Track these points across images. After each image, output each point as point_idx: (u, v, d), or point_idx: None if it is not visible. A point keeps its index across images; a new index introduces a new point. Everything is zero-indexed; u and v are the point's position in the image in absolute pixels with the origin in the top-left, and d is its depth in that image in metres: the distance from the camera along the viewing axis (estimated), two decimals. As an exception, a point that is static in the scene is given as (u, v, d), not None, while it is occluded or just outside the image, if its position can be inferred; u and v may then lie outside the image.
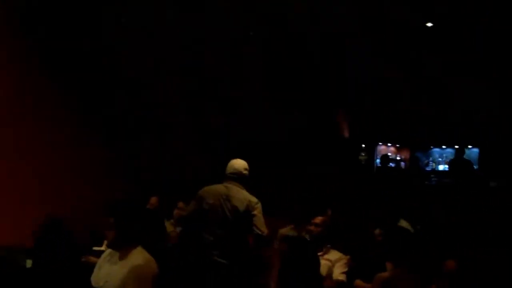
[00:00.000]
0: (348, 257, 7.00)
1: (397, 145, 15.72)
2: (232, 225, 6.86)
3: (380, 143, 15.47)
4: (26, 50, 9.66)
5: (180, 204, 8.67)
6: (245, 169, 7.14)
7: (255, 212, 6.85)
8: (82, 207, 9.58)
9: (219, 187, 7.05)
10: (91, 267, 4.99)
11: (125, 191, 9.74)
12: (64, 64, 10.14)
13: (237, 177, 7.08)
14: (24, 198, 9.39)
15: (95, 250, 7.09)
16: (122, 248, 4.68)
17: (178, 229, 8.30)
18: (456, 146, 14.31)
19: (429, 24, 11.58)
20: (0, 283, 5.98)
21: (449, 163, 14.43)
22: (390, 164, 15.23)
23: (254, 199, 6.94)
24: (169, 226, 8.16)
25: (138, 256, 4.60)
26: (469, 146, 14.37)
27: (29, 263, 6.95)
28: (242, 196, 6.96)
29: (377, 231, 7.25)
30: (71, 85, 10.26)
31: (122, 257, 4.65)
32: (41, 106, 9.84)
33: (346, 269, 6.91)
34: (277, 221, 7.86)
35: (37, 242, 4.58)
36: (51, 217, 4.77)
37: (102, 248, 7.19)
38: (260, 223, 6.81)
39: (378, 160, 15.13)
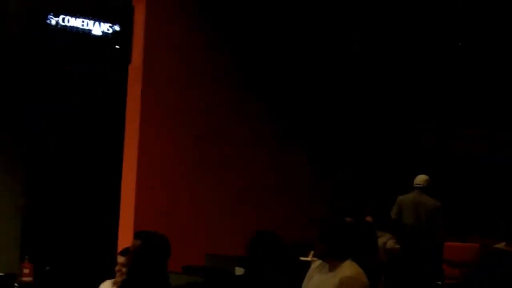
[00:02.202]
0: None
1: None
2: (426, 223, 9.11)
3: None
4: (228, 66, 10.11)
5: None
6: (427, 181, 9.32)
7: (440, 212, 9.16)
8: (288, 220, 9.89)
9: (412, 195, 9.28)
10: (299, 276, 5.17)
11: (328, 207, 9.98)
12: (264, 80, 10.50)
13: (423, 187, 9.26)
14: (235, 210, 9.87)
15: (301, 261, 7.38)
16: (331, 260, 4.80)
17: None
18: None
19: None
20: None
21: None
22: None
23: (439, 203, 9.19)
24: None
25: (348, 269, 4.67)
26: None
27: (238, 271, 7.31)
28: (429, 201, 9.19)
29: None
30: (273, 102, 10.60)
31: (332, 268, 4.75)
32: (245, 123, 10.27)
33: None
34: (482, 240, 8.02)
35: (250, 251, 4.78)
36: (264, 228, 4.98)
37: (308, 258, 7.45)
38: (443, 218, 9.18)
39: None
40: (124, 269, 5.80)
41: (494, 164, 11.27)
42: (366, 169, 11.40)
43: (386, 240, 8.38)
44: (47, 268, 8.42)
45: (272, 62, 10.49)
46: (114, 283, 6.00)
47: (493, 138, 11.36)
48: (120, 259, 5.97)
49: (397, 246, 8.53)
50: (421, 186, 9.22)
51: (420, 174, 9.44)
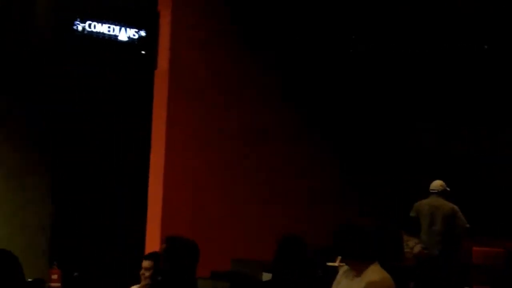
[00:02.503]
0: None
1: None
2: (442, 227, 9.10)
3: None
4: (255, 67, 10.09)
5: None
6: (442, 185, 9.40)
7: (458, 214, 9.16)
8: (315, 225, 9.85)
9: (428, 200, 9.33)
10: (326, 282, 5.14)
11: (357, 212, 9.94)
12: (292, 81, 10.47)
13: (439, 192, 9.34)
14: (262, 215, 9.85)
15: (329, 266, 7.35)
16: (355, 264, 4.77)
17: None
18: None
19: None
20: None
21: None
22: None
23: (455, 206, 9.21)
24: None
25: (374, 273, 4.65)
26: None
27: (265, 276, 7.28)
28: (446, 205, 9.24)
29: None
30: (303, 105, 10.56)
31: (358, 273, 4.73)
32: (274, 126, 10.25)
33: None
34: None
35: (276, 256, 4.75)
36: (291, 233, 4.95)
37: (335, 264, 7.40)
38: (463, 220, 9.14)
39: None
40: (147, 273, 5.83)
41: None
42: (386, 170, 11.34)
43: (413, 245, 8.32)
44: (75, 274, 8.48)
45: (298, 62, 10.46)
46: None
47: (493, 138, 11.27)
48: (144, 263, 6.00)
49: (425, 250, 8.47)
50: (437, 191, 9.34)
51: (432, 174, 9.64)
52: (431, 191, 9.38)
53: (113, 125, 10.27)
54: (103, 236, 10.08)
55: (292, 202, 10.25)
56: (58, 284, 8.56)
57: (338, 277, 4.95)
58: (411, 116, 11.48)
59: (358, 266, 4.75)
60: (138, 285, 6.16)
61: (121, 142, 10.22)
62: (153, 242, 8.81)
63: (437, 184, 9.42)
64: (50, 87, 10.01)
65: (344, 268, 4.94)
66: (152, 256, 6.14)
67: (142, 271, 6.01)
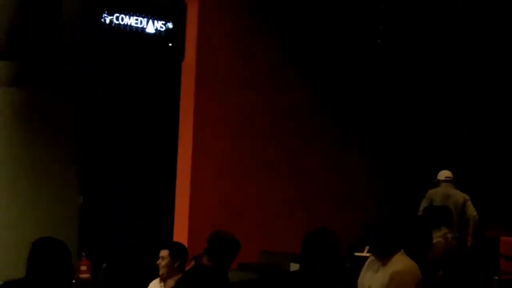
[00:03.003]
0: None
1: None
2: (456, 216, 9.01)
3: None
4: (283, 61, 10.06)
5: None
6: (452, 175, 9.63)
7: (468, 203, 9.34)
8: (344, 216, 9.85)
9: (441, 189, 9.51)
10: (354, 272, 5.14)
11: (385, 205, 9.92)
12: (322, 76, 10.43)
13: (451, 180, 9.56)
14: (290, 207, 9.85)
15: (356, 256, 7.37)
16: (384, 254, 4.77)
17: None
18: None
19: None
20: (263, 284, 6.33)
21: None
22: None
23: (466, 195, 9.40)
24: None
25: (400, 262, 4.65)
26: None
27: (293, 267, 7.29)
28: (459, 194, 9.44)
29: None
30: (332, 99, 10.52)
31: (384, 263, 4.74)
32: (304, 119, 10.23)
33: None
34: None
35: (305, 247, 4.76)
36: (319, 225, 4.96)
37: (363, 254, 7.41)
38: (473, 209, 9.32)
39: None
40: (163, 263, 5.92)
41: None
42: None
43: (442, 235, 8.28)
44: (104, 265, 8.54)
45: (327, 53, 10.42)
46: (160, 279, 6.06)
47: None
48: (161, 252, 6.05)
49: (454, 240, 8.43)
50: (450, 179, 9.55)
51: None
52: (444, 179, 9.55)
53: (141, 117, 10.31)
54: (131, 228, 10.14)
55: (322, 194, 10.23)
56: (87, 275, 8.63)
57: (365, 266, 4.96)
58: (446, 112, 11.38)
59: (383, 257, 4.76)
60: (158, 279, 6.20)
61: (149, 135, 10.26)
62: (180, 233, 8.85)
63: (448, 173, 9.61)
64: (78, 80, 10.08)
65: (371, 258, 4.95)
66: (169, 245, 6.20)
67: (159, 261, 6.07)
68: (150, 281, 6.37)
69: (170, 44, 9.45)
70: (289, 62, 10.07)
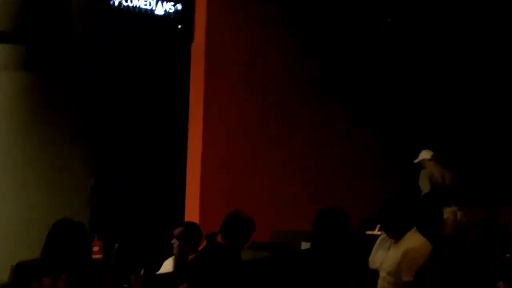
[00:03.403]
0: None
1: None
2: None
3: None
4: (293, 42, 10.01)
5: None
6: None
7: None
8: (355, 195, 9.87)
9: (436, 167, 9.63)
10: (366, 250, 5.16)
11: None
12: (332, 57, 10.39)
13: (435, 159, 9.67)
14: (301, 187, 9.87)
15: (368, 234, 7.40)
16: (396, 232, 4.80)
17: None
18: None
19: None
20: (275, 262, 6.36)
21: None
22: None
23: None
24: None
25: (412, 240, 4.67)
26: None
27: (305, 245, 7.32)
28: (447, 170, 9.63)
29: None
30: (343, 82, 10.49)
31: (397, 240, 4.76)
32: (312, 99, 10.22)
33: None
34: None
35: (317, 225, 4.78)
36: (331, 204, 4.99)
37: (375, 232, 7.42)
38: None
39: None
40: (177, 242, 5.97)
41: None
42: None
43: (451, 212, 8.31)
44: (116, 245, 8.57)
45: (337, 40, 10.37)
46: (174, 258, 6.11)
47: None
48: (175, 232, 6.09)
49: (465, 218, 8.45)
50: (434, 157, 9.71)
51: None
52: (431, 158, 9.71)
53: (150, 100, 10.33)
54: (143, 208, 10.19)
55: (333, 173, 10.23)
56: (100, 256, 8.66)
57: (377, 244, 4.97)
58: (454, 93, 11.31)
59: (396, 235, 4.78)
60: (171, 258, 6.25)
61: (159, 118, 10.28)
62: (192, 214, 8.89)
63: (431, 152, 9.79)
64: (87, 63, 10.09)
65: (382, 236, 4.97)
66: (182, 225, 6.25)
67: (173, 240, 6.12)
68: (163, 261, 6.42)
69: (179, 26, 9.44)
70: (301, 44, 10.03)
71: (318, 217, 4.78)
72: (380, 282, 4.66)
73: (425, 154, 9.89)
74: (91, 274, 4.15)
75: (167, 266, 6.30)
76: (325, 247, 4.70)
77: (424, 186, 9.61)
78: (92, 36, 9.56)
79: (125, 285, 5.46)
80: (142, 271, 6.21)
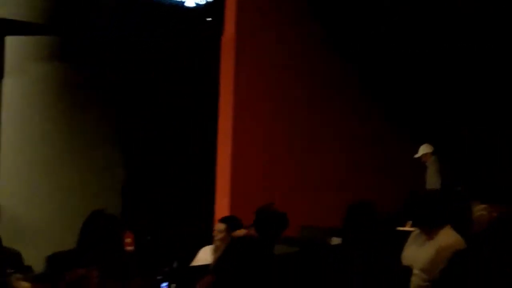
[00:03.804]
0: None
1: None
2: None
3: None
4: (324, 34, 9.99)
5: None
6: None
7: None
8: (386, 191, 9.81)
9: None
10: (397, 246, 5.13)
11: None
12: (362, 50, 10.34)
13: None
14: (332, 182, 9.85)
15: (399, 230, 7.35)
16: (427, 229, 4.76)
17: None
18: None
19: None
20: (305, 258, 6.36)
21: None
22: None
23: None
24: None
25: (446, 237, 4.64)
26: None
27: (335, 241, 7.30)
28: None
29: None
30: (372, 75, 10.43)
31: (430, 237, 4.72)
32: (342, 93, 10.19)
33: None
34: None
35: (347, 221, 4.77)
36: (361, 199, 4.96)
37: (406, 228, 7.39)
38: None
39: None
40: (219, 236, 5.97)
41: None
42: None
43: (483, 209, 8.25)
44: (148, 237, 8.64)
45: (363, 27, 10.32)
46: (214, 251, 6.12)
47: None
48: (218, 225, 6.11)
49: (494, 214, 8.37)
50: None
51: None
52: (433, 151, 9.96)
53: (180, 92, 10.36)
54: (174, 201, 10.25)
55: (362, 170, 10.20)
56: (131, 248, 8.73)
57: (409, 241, 4.95)
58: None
59: (430, 231, 4.74)
60: (210, 246, 6.26)
61: (189, 109, 10.31)
62: (222, 208, 8.91)
63: (431, 146, 10.00)
64: (118, 54, 10.14)
65: (415, 232, 4.94)
66: (227, 219, 6.26)
67: (215, 232, 6.14)
68: (195, 251, 6.45)
69: (209, 19, 9.44)
70: (331, 36, 9.99)
71: (348, 212, 4.77)
72: (413, 278, 4.63)
73: (427, 148, 9.96)
74: (124, 265, 4.17)
75: (203, 255, 6.33)
76: (356, 242, 4.68)
77: (435, 180, 9.69)
78: (123, 28, 9.60)
79: (158, 277, 5.48)
80: (175, 263, 6.23)
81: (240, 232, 5.58)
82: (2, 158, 9.35)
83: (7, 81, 9.41)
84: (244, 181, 9.13)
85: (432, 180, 9.80)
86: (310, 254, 6.47)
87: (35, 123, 9.63)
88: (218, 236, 6.09)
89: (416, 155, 10.02)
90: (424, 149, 9.98)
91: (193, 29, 9.60)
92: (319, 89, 9.96)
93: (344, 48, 10.15)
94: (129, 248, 8.60)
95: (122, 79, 10.33)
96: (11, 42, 9.37)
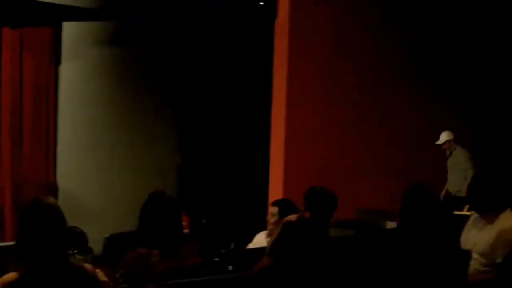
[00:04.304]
0: None
1: None
2: None
3: None
4: (379, 16, 9.88)
5: None
6: None
7: None
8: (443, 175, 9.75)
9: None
10: (455, 230, 5.09)
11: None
12: (415, 34, 10.22)
13: None
14: (387, 164, 9.81)
15: (456, 214, 7.29)
16: (488, 212, 4.70)
17: None
18: None
19: None
20: (360, 241, 6.35)
21: None
22: None
23: None
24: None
25: (507, 220, 4.57)
26: None
27: (390, 225, 7.28)
28: None
29: None
30: (424, 56, 10.32)
31: (490, 221, 4.66)
32: (397, 75, 10.09)
33: None
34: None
35: (403, 204, 4.73)
36: (418, 181, 4.91)
37: (464, 212, 7.32)
38: None
39: None
40: (273, 219, 5.98)
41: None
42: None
43: None
44: (203, 221, 8.71)
45: (415, 14, 10.19)
46: (268, 234, 6.14)
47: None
48: (272, 209, 6.12)
49: None
50: None
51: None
52: (454, 139, 9.99)
53: (234, 77, 10.39)
54: (228, 184, 10.31)
55: (419, 151, 10.11)
56: (186, 231, 8.82)
57: (469, 225, 4.89)
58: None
59: (489, 215, 4.68)
60: (265, 231, 6.29)
61: (242, 94, 10.33)
62: (275, 190, 8.92)
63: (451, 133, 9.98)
64: (173, 40, 10.21)
65: (474, 216, 4.88)
66: (279, 202, 6.26)
67: (268, 217, 6.15)
68: (253, 236, 6.49)
69: (262, 2, 9.41)
70: (386, 23, 9.89)
71: (405, 195, 4.72)
72: (472, 263, 4.58)
73: (449, 135, 9.93)
74: (182, 248, 4.20)
75: (258, 240, 6.36)
76: (412, 226, 4.64)
77: (468, 169, 9.67)
78: (177, 13, 9.65)
79: (215, 259, 5.54)
80: (232, 245, 6.28)
81: (293, 216, 5.58)
82: (59, 140, 9.52)
83: (64, 66, 9.56)
84: (298, 163, 9.12)
85: (465, 166, 9.68)
86: (365, 237, 6.46)
87: (91, 108, 9.77)
88: (271, 219, 6.10)
89: (438, 142, 9.93)
90: (446, 136, 9.88)
91: (245, 12, 9.59)
92: (377, 70, 9.88)
93: (401, 33, 10.04)
94: (185, 231, 8.68)
95: (177, 63, 10.40)
96: (68, 27, 9.51)
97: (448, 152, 10.06)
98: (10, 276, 3.14)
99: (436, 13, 10.23)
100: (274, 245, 5.36)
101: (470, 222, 4.90)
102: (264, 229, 6.38)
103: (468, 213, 6.04)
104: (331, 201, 5.37)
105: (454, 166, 9.95)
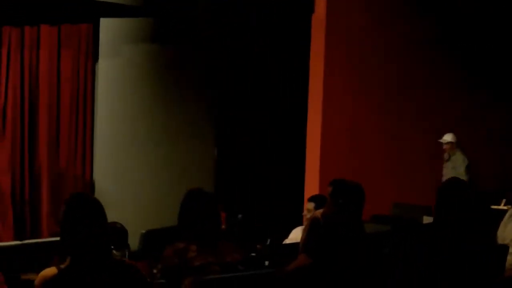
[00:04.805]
0: None
1: None
2: None
3: None
4: (416, 13, 9.83)
5: None
6: None
7: None
8: (480, 169, 9.68)
9: None
10: (492, 224, 5.06)
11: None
12: (455, 30, 10.13)
13: None
14: (424, 159, 9.76)
15: (493, 209, 7.24)
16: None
17: None
18: None
19: None
20: (397, 236, 6.32)
21: None
22: None
23: None
24: None
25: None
26: None
27: (426, 219, 7.25)
28: None
29: None
30: (461, 51, 10.22)
31: (527, 216, 4.64)
32: (434, 71, 10.02)
33: None
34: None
35: (439, 199, 4.70)
36: (454, 178, 4.89)
37: (500, 207, 7.27)
38: None
39: None
40: (309, 215, 5.96)
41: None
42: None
43: None
44: (239, 216, 8.75)
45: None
46: (304, 229, 6.14)
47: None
48: (308, 205, 6.13)
49: None
50: None
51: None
52: (456, 142, 9.66)
53: (271, 71, 10.40)
54: (265, 180, 10.34)
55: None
56: (222, 226, 8.89)
57: (505, 219, 4.86)
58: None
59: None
60: (302, 227, 6.30)
61: (279, 89, 10.35)
62: (312, 186, 8.93)
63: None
64: (211, 36, 10.26)
65: (511, 210, 4.85)
66: (315, 198, 6.27)
67: (304, 212, 6.16)
68: (289, 231, 6.51)
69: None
70: (426, 18, 9.82)
71: (441, 190, 4.70)
72: (509, 257, 4.54)
73: (453, 137, 9.63)
74: (219, 243, 4.22)
75: (294, 236, 6.38)
76: (449, 221, 4.62)
77: (464, 176, 9.14)
78: (215, 9, 9.70)
79: (252, 254, 5.56)
80: (269, 240, 6.31)
81: (319, 212, 5.55)
82: (96, 137, 9.63)
83: (102, 62, 9.66)
84: (334, 159, 9.12)
85: (459, 172, 9.37)
86: (402, 233, 6.44)
87: (129, 104, 9.87)
88: (307, 215, 6.11)
89: (441, 140, 9.70)
90: (450, 137, 9.65)
91: (283, 7, 9.59)
92: (413, 65, 9.83)
93: (443, 27, 9.96)
94: (222, 226, 8.74)
95: (216, 59, 10.45)
96: (106, 24, 9.60)
97: (447, 155, 9.79)
98: (50, 271, 3.15)
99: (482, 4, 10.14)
100: (307, 242, 5.32)
101: (506, 217, 4.87)
102: (300, 224, 6.40)
103: (505, 208, 6.00)
104: (357, 190, 5.24)
105: (452, 170, 9.66)
